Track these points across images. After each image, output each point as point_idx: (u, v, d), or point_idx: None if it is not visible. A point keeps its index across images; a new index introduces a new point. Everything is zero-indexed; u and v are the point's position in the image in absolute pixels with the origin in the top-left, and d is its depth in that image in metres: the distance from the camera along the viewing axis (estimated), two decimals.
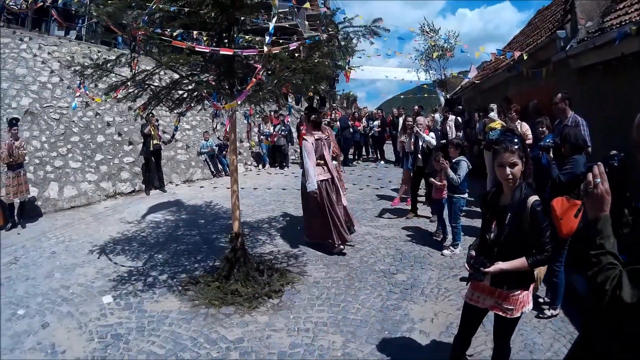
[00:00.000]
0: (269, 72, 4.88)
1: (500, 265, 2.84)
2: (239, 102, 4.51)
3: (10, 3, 14.69)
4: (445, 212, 6.91)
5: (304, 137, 6.68)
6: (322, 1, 28.24)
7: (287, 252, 6.87)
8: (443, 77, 29.78)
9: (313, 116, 6.82)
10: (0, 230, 8.76)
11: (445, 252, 6.55)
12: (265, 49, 4.35)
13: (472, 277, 2.98)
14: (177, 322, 4.82)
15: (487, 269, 2.85)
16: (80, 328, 4.83)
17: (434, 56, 27.34)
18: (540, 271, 3.16)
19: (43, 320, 5.06)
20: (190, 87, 5.40)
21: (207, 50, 4.48)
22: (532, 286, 3.05)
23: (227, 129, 5.15)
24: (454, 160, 6.47)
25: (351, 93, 31.73)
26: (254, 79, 4.35)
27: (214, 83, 4.95)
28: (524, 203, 2.81)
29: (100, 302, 5.38)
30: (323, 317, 4.80)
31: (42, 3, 15.09)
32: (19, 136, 9.21)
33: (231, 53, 4.44)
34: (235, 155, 5.41)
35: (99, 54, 13.55)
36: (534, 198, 2.81)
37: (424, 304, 5.00)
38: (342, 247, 6.71)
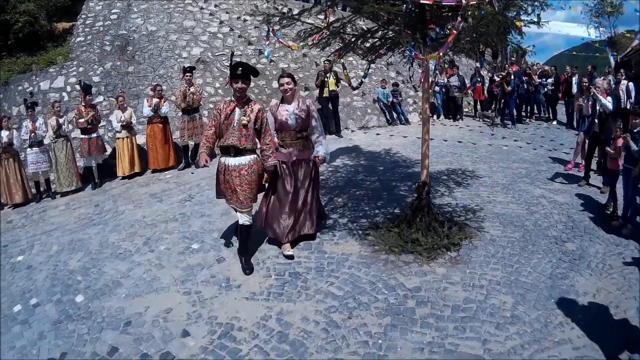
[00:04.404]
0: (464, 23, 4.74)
1: None
2: (441, 53, 4.46)
3: None
4: (619, 185, 6.45)
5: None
6: None
7: (465, 205, 6.73)
8: (613, 35, 26.75)
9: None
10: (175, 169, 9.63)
11: (614, 223, 6.14)
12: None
13: None
14: (357, 266, 4.97)
15: None
16: (257, 264, 5.11)
17: (608, 12, 24.67)
18: None
19: (218, 255, 5.42)
20: (384, 35, 5.42)
21: None
22: None
23: (422, 79, 5.12)
24: (635, 131, 5.95)
25: (527, 47, 29.32)
26: (455, 31, 4.26)
27: (409, 32, 4.91)
28: None
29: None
30: (497, 275, 4.75)
31: None
32: (193, 82, 9.90)
33: (430, 2, 4.36)
34: (428, 104, 5.37)
35: (279, 4, 14.15)
36: None
37: (589, 278, 4.77)
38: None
